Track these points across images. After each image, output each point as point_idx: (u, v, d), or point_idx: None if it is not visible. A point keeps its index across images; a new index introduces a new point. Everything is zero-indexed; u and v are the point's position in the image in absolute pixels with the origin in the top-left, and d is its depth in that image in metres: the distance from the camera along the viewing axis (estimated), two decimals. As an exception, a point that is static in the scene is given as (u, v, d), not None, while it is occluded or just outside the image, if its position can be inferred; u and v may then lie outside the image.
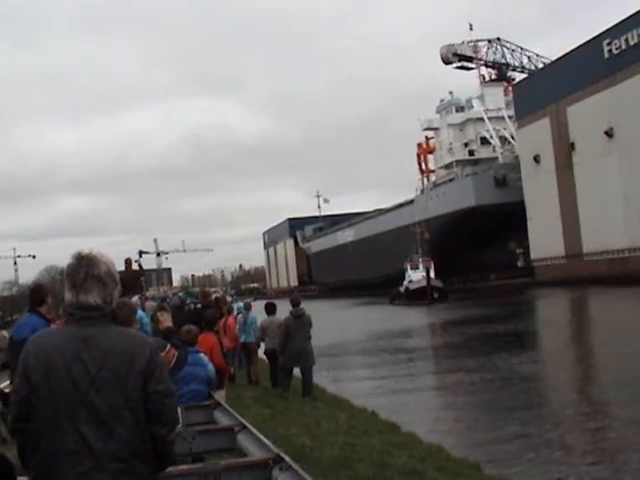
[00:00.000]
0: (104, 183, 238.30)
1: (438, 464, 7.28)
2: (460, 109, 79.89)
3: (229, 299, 24.25)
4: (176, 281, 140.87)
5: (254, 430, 5.11)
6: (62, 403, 2.27)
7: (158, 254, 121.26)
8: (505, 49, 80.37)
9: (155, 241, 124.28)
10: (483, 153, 75.99)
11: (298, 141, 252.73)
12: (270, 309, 13.11)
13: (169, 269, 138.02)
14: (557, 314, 33.85)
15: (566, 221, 56.70)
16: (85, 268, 2.41)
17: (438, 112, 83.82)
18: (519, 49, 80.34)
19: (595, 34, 52.54)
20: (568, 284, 48.71)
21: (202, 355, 6.88)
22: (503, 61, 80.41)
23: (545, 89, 57.26)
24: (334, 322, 36.36)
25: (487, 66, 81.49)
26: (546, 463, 8.86)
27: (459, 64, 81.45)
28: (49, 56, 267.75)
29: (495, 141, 74.01)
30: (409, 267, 58.73)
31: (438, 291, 53.23)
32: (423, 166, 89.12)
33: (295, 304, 12.08)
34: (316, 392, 12.26)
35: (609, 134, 50.88)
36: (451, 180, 73.57)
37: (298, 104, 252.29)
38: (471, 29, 79.61)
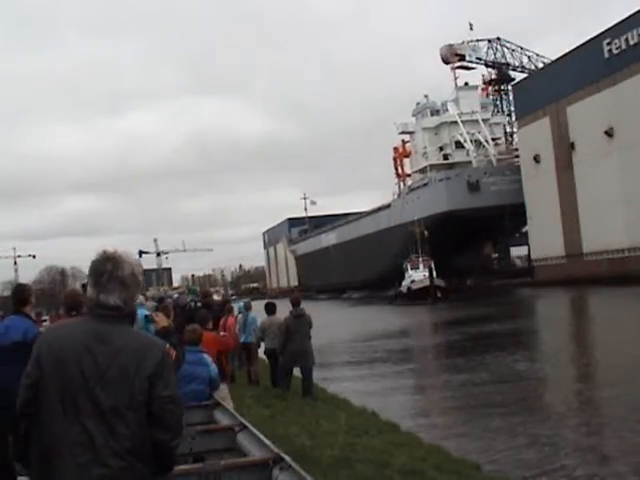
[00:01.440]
0: (105, 183, 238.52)
1: (438, 464, 7.28)
2: (435, 112, 79.88)
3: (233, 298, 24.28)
4: (176, 281, 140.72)
5: (254, 430, 5.11)
6: (68, 394, 2.29)
7: (158, 254, 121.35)
8: (505, 49, 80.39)
9: (155, 241, 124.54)
10: (457, 157, 75.96)
11: (299, 141, 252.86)
12: (270, 309, 13.10)
13: (169, 269, 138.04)
14: (557, 314, 33.84)
15: (566, 221, 56.70)
16: (109, 269, 2.42)
17: (414, 115, 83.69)
18: (519, 49, 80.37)
19: (595, 34, 52.57)
20: (568, 284, 48.73)
21: (205, 355, 6.86)
22: (503, 61, 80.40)
23: (545, 89, 57.26)
24: (354, 322, 36.30)
25: (487, 66, 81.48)
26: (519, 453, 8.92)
27: (459, 64, 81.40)
28: (55, 56, 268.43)
29: (469, 145, 73.91)
30: (409, 267, 58.64)
31: (441, 291, 53.11)
32: (399, 170, 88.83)
33: (295, 304, 12.08)
34: (316, 392, 12.25)
35: (609, 134, 50.88)
36: (425, 185, 73.61)
37: (301, 105, 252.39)
38: (471, 29, 79.64)
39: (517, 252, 77.45)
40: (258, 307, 14.74)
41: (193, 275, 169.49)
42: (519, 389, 14.41)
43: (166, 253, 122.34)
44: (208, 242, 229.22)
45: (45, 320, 32.07)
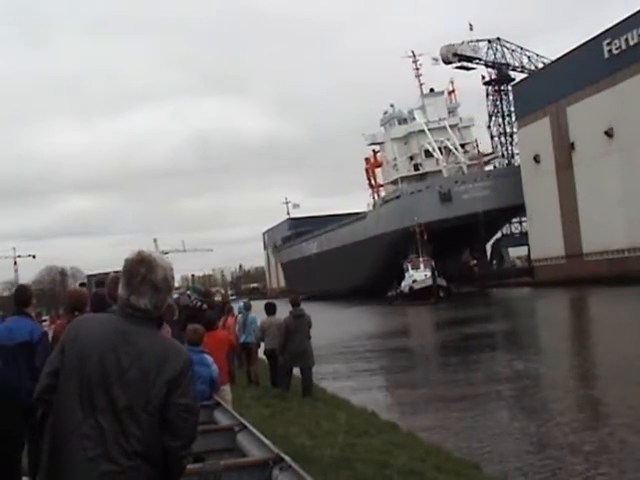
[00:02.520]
0: (105, 183, 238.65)
1: (438, 464, 7.29)
2: (403, 121, 79.30)
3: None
4: (176, 281, 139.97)
5: (254, 430, 5.11)
6: (86, 387, 2.31)
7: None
8: (505, 49, 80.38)
9: (155, 241, 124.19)
10: (428, 166, 75.43)
11: (301, 142, 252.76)
12: (270, 309, 13.11)
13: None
14: (556, 314, 33.84)
15: (566, 221, 56.70)
16: (143, 271, 2.41)
17: (382, 125, 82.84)
18: (519, 49, 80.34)
19: (595, 34, 52.58)
20: (568, 284, 48.73)
21: (206, 355, 6.88)
22: (503, 61, 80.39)
23: (545, 89, 57.25)
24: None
25: (487, 66, 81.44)
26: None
27: (459, 64, 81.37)
28: (58, 57, 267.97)
29: (437, 154, 73.51)
30: (410, 267, 58.34)
31: (444, 290, 52.96)
32: (372, 181, 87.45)
33: (295, 304, 12.08)
34: (316, 392, 12.26)
35: (609, 134, 50.89)
36: (398, 197, 73.10)
37: (302, 105, 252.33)
38: (471, 29, 79.61)
39: (517, 252, 77.54)
40: (258, 307, 14.75)
41: (193, 275, 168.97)
42: (518, 387, 14.45)
43: (166, 253, 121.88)
44: (208, 242, 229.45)
45: (45, 320, 32.01)
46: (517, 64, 79.93)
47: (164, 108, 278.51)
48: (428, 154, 75.08)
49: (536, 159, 60.27)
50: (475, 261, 70.18)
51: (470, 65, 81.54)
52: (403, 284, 57.74)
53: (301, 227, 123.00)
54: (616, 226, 49.55)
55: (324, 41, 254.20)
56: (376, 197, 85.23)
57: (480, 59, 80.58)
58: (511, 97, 75.73)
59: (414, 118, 77.84)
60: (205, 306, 12.81)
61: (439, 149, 74.15)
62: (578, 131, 54.61)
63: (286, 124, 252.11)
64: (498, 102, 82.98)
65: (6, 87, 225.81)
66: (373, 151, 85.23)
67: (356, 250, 76.62)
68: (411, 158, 78.05)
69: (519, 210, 69.77)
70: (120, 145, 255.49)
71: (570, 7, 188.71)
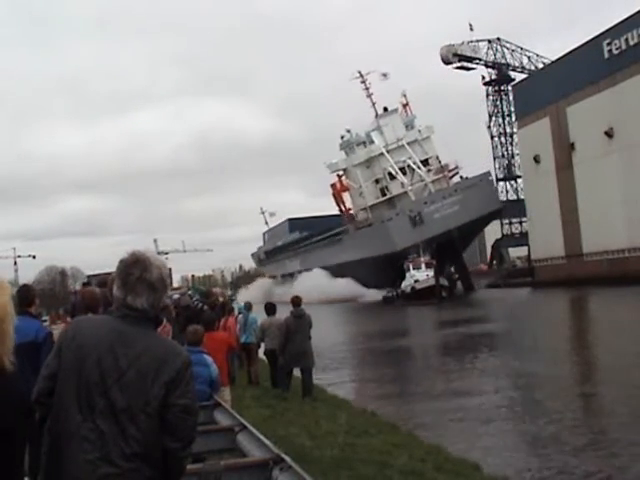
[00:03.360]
0: (105, 183, 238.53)
1: (438, 464, 7.30)
2: (362, 144, 77.67)
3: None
4: (176, 281, 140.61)
5: (254, 430, 5.11)
6: (85, 389, 2.30)
7: (158, 254, 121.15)
8: (505, 49, 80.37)
9: (155, 241, 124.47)
10: (394, 189, 74.39)
11: (301, 142, 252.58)
12: (270, 309, 13.11)
13: (169, 269, 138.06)
14: (556, 314, 33.84)
15: (566, 221, 56.70)
16: (138, 272, 2.42)
17: (342, 149, 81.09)
18: (519, 49, 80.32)
19: (595, 34, 52.59)
20: (568, 284, 48.72)
21: (206, 356, 6.90)
22: (503, 61, 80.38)
23: (545, 89, 57.25)
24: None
25: (487, 66, 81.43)
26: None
27: (459, 64, 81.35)
28: (59, 57, 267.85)
29: (401, 177, 72.72)
30: (411, 267, 58.11)
31: (446, 290, 52.77)
32: (342, 206, 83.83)
33: (295, 304, 12.07)
34: (316, 392, 12.26)
35: (609, 134, 50.89)
36: (370, 225, 72.43)
37: (304, 106, 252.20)
38: (471, 29, 79.58)
39: (517, 252, 77.55)
40: (258, 307, 14.76)
41: (193, 275, 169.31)
42: (518, 387, 14.45)
43: (166, 253, 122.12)
44: (208, 242, 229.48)
45: (45, 320, 32.01)
46: (517, 64, 79.92)
47: (165, 108, 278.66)
48: (392, 177, 74.13)
49: (536, 159, 60.26)
50: (457, 275, 69.62)
51: (470, 65, 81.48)
52: (404, 284, 57.42)
53: (301, 228, 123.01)
54: (616, 226, 49.55)
55: (324, 41, 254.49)
56: (347, 221, 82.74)
57: (480, 59, 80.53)
58: (511, 97, 75.69)
59: (372, 141, 76.39)
60: (206, 307, 12.84)
61: (402, 169, 73.09)
62: (578, 131, 54.60)
63: (287, 124, 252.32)
64: (498, 102, 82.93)
65: (7, 87, 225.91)
66: (338, 176, 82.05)
67: (337, 272, 75.62)
68: (377, 181, 76.82)
69: (494, 215, 69.67)
70: (120, 145, 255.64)
71: (570, 7, 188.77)
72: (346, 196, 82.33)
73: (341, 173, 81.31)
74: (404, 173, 73.77)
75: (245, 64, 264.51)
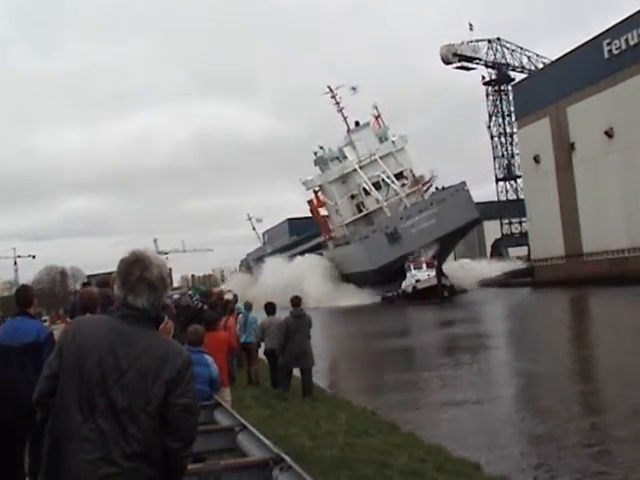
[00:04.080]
0: (105, 183, 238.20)
1: (438, 464, 7.29)
2: (336, 159, 76.83)
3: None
4: (176, 281, 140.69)
5: (254, 430, 5.11)
6: (85, 389, 2.30)
7: (158, 254, 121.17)
8: (505, 49, 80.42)
9: (155, 241, 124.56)
10: (370, 205, 73.67)
11: (302, 142, 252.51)
12: (270, 309, 13.10)
13: (169, 269, 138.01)
14: (556, 314, 33.84)
15: (566, 221, 56.69)
16: (139, 271, 2.42)
17: (317, 165, 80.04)
18: (519, 49, 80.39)
19: (595, 34, 52.61)
20: (568, 284, 48.71)
21: (206, 356, 6.90)
22: (503, 61, 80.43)
23: (545, 89, 57.25)
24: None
25: (487, 66, 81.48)
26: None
27: (459, 64, 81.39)
28: (60, 58, 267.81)
29: (375, 193, 72.14)
30: (412, 267, 57.88)
31: (448, 290, 52.57)
32: (321, 223, 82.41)
33: (295, 304, 12.07)
34: (316, 392, 12.25)
35: (609, 134, 50.88)
36: (347, 243, 71.93)
37: (304, 105, 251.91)
38: (471, 29, 79.63)
39: (517, 252, 77.52)
40: (257, 307, 14.76)
41: (193, 275, 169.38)
42: (519, 386, 14.46)
43: (166, 253, 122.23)
44: (208, 242, 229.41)
45: (45, 320, 32.02)
46: (517, 64, 79.99)
47: (165, 108, 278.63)
48: (367, 192, 73.45)
49: (536, 159, 60.26)
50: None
51: (470, 65, 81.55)
52: (405, 284, 57.19)
53: (301, 228, 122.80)
54: (616, 226, 49.55)
55: (324, 41, 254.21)
56: (326, 238, 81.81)
57: (480, 59, 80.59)
58: (511, 97, 75.74)
59: (345, 156, 75.63)
60: (206, 307, 12.84)
61: (377, 184, 72.59)
62: (578, 131, 54.60)
63: (287, 124, 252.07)
64: (498, 102, 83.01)
65: (9, 87, 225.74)
66: (314, 191, 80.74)
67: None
68: (352, 197, 76.07)
69: (472, 225, 69.39)
70: (120, 145, 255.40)
71: (570, 7, 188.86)
72: (324, 211, 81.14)
73: (317, 189, 80.00)
74: (379, 188, 73.01)
75: (246, 64, 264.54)
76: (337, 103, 77.00)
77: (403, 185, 73.72)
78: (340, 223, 76.75)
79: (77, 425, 2.27)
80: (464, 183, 70.26)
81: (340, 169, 75.87)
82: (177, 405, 2.32)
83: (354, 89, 75.85)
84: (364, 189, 73.61)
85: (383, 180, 72.67)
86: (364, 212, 74.58)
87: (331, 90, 76.74)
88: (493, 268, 65.67)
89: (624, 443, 9.29)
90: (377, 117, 79.19)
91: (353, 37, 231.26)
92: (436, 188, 74.76)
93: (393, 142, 76.60)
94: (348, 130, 77.59)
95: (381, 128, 78.60)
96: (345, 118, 77.26)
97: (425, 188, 74.18)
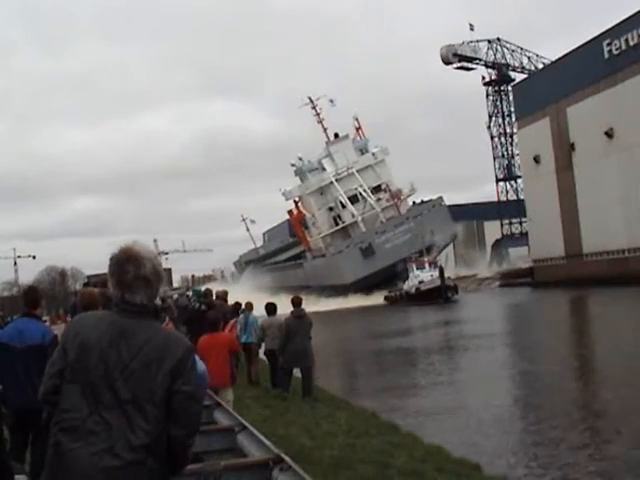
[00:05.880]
0: (105, 184, 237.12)
1: (438, 464, 7.28)
2: (315, 171, 76.56)
3: None
4: (176, 282, 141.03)
5: (254, 430, 5.11)
6: (90, 383, 2.33)
7: (158, 254, 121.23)
8: (505, 49, 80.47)
9: (155, 241, 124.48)
10: (347, 218, 73.49)
11: (304, 142, 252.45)
12: (270, 309, 13.10)
13: (169, 269, 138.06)
14: (556, 314, 33.86)
15: (566, 222, 56.67)
16: (133, 269, 2.45)
17: (297, 176, 79.75)
18: (519, 49, 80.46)
19: (595, 34, 52.60)
20: (568, 285, 48.71)
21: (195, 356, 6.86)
22: (503, 61, 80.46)
23: (545, 89, 57.24)
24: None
25: (487, 66, 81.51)
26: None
27: (459, 64, 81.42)
28: (65, 58, 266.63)
29: (350, 207, 71.93)
30: (414, 267, 57.54)
31: (452, 290, 52.38)
32: (300, 232, 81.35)
33: (296, 304, 12.06)
34: (316, 392, 12.25)
35: (609, 135, 50.86)
36: (323, 256, 71.93)
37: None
38: (471, 29, 79.66)
39: (517, 253, 77.54)
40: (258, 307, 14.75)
41: (193, 275, 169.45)
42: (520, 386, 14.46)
43: (166, 253, 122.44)
44: (208, 242, 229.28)
45: (45, 321, 32.02)
46: (517, 64, 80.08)
47: (169, 109, 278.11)
48: (344, 205, 73.34)
49: (536, 159, 60.23)
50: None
51: (470, 65, 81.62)
52: (407, 285, 56.94)
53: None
54: (616, 226, 49.52)
55: (330, 40, 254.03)
56: (305, 249, 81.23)
57: (480, 59, 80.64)
58: (511, 97, 75.75)
59: (324, 168, 75.43)
60: (204, 307, 12.83)
61: (354, 197, 72.41)
62: (578, 131, 54.58)
63: (291, 125, 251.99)
64: (498, 102, 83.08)
65: (12, 88, 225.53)
66: (294, 202, 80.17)
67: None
68: (330, 209, 75.84)
69: (449, 241, 69.04)
70: (121, 146, 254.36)
71: (570, 8, 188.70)
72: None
73: (297, 199, 79.74)
74: (356, 201, 72.72)
75: (251, 64, 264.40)
76: (317, 114, 76.53)
77: (379, 200, 73.26)
78: (317, 235, 76.52)
79: (82, 419, 2.30)
80: (441, 198, 70.13)
81: (318, 181, 75.53)
82: (182, 393, 2.35)
83: (332, 102, 75.57)
84: (341, 202, 73.48)
85: (360, 194, 72.44)
86: (341, 225, 74.43)
87: (312, 101, 76.18)
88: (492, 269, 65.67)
89: (624, 443, 9.29)
90: (358, 129, 78.83)
91: (353, 38, 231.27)
92: (413, 202, 74.54)
93: (373, 154, 76.23)
94: (327, 142, 77.24)
95: (362, 140, 78.27)
96: (325, 129, 77.04)
97: (400, 202, 73.19)
